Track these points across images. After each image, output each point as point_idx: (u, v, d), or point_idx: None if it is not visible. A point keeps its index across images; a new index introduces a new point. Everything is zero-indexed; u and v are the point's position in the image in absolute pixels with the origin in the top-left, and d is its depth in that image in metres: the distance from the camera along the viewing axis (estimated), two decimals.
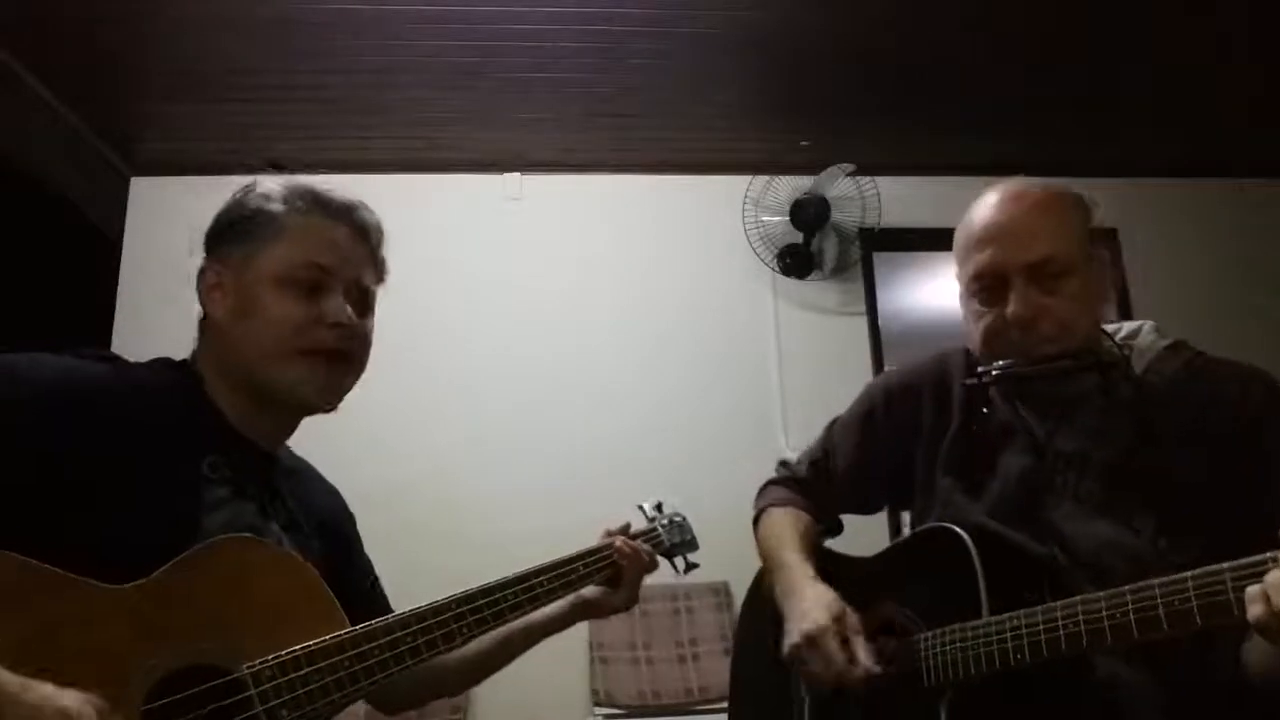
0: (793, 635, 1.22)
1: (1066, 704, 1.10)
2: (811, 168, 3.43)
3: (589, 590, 1.33)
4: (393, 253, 1.22)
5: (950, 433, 1.32)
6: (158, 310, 3.03)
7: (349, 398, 1.16)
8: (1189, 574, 0.91)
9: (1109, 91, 3.23)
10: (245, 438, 1.09)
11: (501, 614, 1.14)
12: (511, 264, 3.53)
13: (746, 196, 3.53)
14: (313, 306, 1.08)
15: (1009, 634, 1.06)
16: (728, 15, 2.78)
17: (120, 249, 3.42)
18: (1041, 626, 1.03)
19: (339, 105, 3.18)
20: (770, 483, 1.56)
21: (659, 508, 1.53)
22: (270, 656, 0.93)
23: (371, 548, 1.33)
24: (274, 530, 1.07)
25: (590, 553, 1.31)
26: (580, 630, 3.13)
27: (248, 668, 0.92)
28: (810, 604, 1.23)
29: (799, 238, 3.50)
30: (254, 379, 1.08)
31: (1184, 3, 2.80)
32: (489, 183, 3.59)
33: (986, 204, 1.26)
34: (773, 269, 3.55)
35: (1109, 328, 1.26)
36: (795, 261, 3.50)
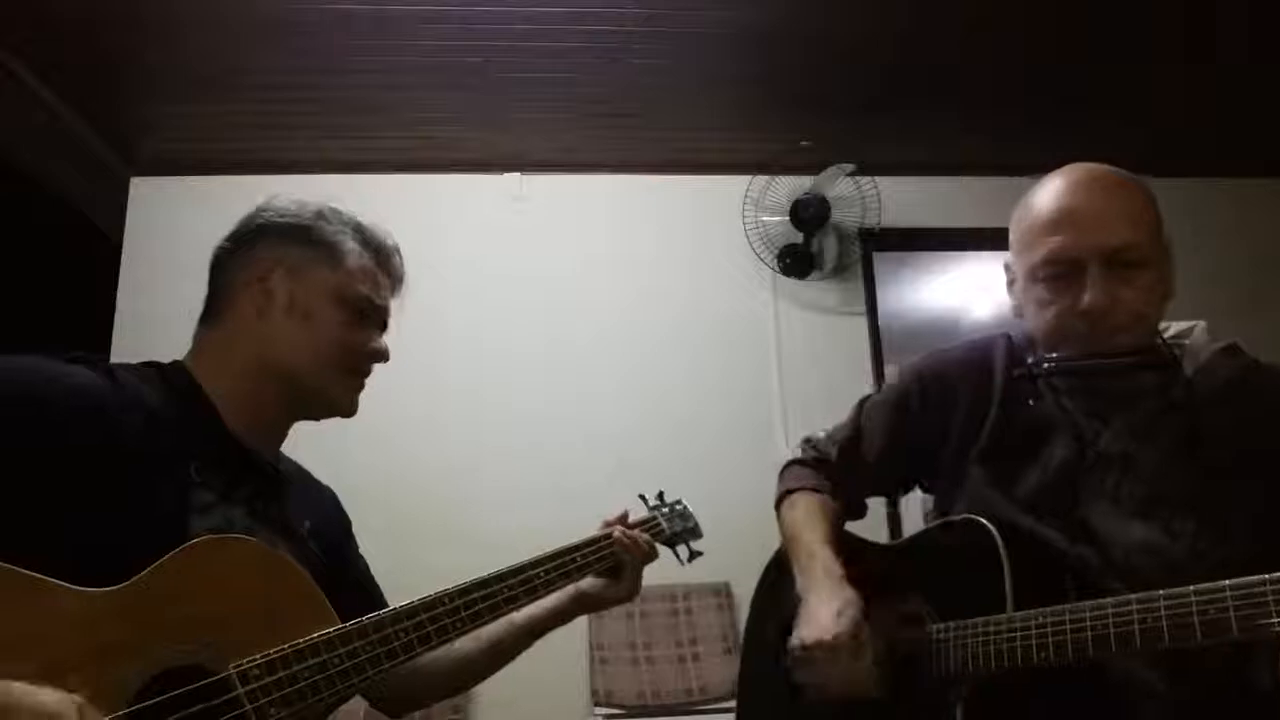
0: (806, 635, 1.19)
1: (1087, 706, 1.08)
2: (811, 168, 3.42)
3: (588, 582, 1.31)
4: None
5: (988, 422, 1.26)
6: (158, 310, 3.03)
7: None
8: (1226, 583, 0.90)
9: (1109, 91, 3.23)
10: (238, 441, 1.08)
11: (496, 607, 1.13)
12: (512, 263, 3.52)
13: (746, 196, 3.52)
14: (363, 333, 1.16)
15: (1034, 631, 1.04)
16: (728, 15, 2.78)
17: (120, 249, 3.41)
18: (1069, 626, 1.01)
19: (339, 105, 3.17)
20: (795, 463, 1.50)
21: (660, 496, 1.51)
22: (258, 655, 0.92)
23: (370, 547, 1.33)
24: (264, 534, 1.06)
25: (589, 542, 1.29)
26: (580, 630, 3.15)
27: (234, 667, 0.91)
28: (829, 611, 1.18)
29: (799, 238, 3.50)
30: (296, 378, 1.11)
31: (1184, 3, 2.80)
32: (489, 183, 3.59)
33: (1056, 187, 1.19)
34: (773, 269, 3.55)
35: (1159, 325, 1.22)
36: (795, 261, 3.50)
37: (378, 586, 1.33)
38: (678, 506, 1.50)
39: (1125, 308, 1.12)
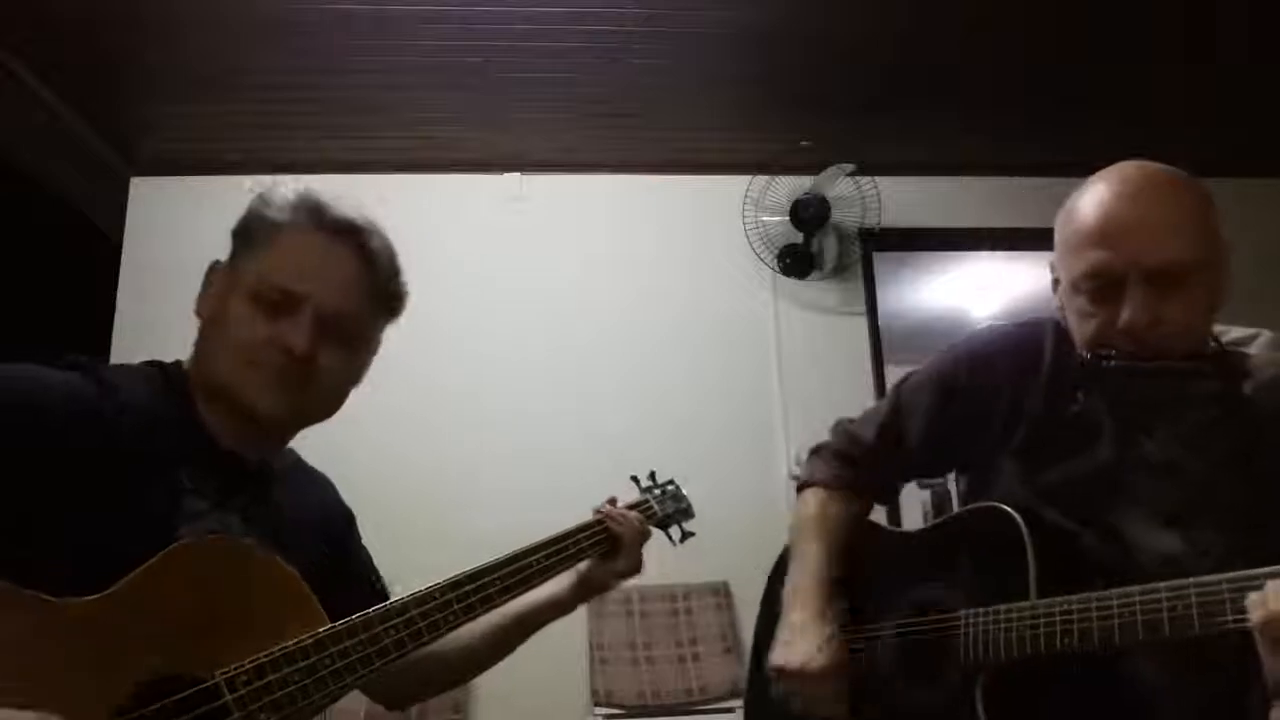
0: (786, 662, 1.20)
1: (1105, 694, 1.08)
2: (811, 168, 3.42)
3: (589, 564, 1.29)
4: None
5: (1029, 416, 1.22)
6: (158, 310, 3.02)
7: (350, 397, 1.15)
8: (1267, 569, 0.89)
9: (1109, 91, 3.23)
10: (228, 446, 1.06)
11: (490, 598, 1.11)
12: (512, 263, 3.53)
13: (746, 196, 3.52)
14: (268, 326, 1.04)
15: (1059, 618, 1.03)
16: (728, 15, 2.78)
17: (120, 249, 3.41)
18: (1095, 613, 1.00)
19: (339, 105, 3.18)
20: (824, 448, 1.45)
21: (652, 476, 1.49)
22: (246, 661, 0.91)
23: (370, 546, 1.33)
24: (258, 539, 1.04)
25: (584, 527, 1.28)
26: (580, 630, 3.14)
27: (221, 674, 0.89)
28: (808, 645, 1.20)
29: (799, 238, 3.50)
30: (215, 387, 1.05)
31: (1184, 3, 2.80)
32: (489, 183, 3.59)
33: (1101, 193, 1.13)
34: (773, 269, 3.55)
35: (1216, 328, 1.18)
36: (795, 261, 3.50)
37: (381, 578, 1.31)
38: (669, 487, 1.48)
39: (1168, 324, 1.09)
